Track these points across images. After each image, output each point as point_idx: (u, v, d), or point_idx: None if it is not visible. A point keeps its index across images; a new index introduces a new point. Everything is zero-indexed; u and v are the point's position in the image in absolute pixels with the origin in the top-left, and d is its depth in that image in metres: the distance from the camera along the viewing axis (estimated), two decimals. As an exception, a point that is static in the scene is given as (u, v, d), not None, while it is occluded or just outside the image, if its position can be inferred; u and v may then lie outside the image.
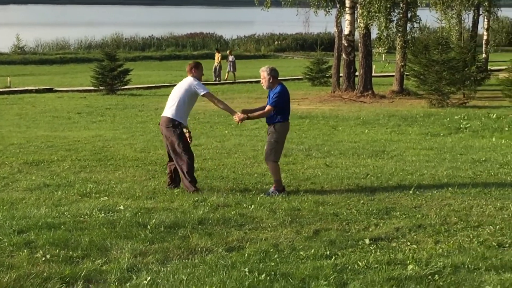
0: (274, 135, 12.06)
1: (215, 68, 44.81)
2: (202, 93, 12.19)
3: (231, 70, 45.07)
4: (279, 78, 12.28)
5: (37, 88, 38.72)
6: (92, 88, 37.35)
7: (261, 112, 12.27)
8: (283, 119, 12.12)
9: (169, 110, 12.28)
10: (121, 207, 10.74)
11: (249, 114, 12.33)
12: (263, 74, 12.09)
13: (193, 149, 16.89)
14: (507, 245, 8.87)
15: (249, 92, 35.68)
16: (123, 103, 31.32)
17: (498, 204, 11.04)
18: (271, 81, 12.07)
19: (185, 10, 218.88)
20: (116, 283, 7.43)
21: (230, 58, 45.15)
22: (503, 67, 39.91)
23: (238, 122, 12.42)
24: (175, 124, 12.17)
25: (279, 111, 12.03)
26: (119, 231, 9.31)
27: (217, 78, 44.46)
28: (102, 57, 38.51)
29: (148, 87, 39.73)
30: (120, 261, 8.08)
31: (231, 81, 44.04)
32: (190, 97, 12.28)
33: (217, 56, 45.10)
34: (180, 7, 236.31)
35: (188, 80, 12.35)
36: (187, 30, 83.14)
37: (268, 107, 12.03)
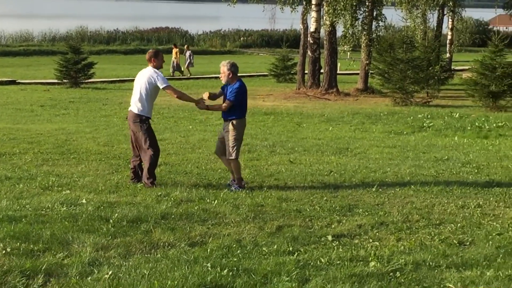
0: (233, 132, 12.01)
1: (173, 63, 44.36)
2: (162, 87, 12.12)
3: (188, 65, 44.77)
4: (239, 74, 12.27)
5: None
6: (55, 81, 37.02)
7: (220, 105, 12.22)
8: (241, 115, 12.11)
9: (134, 105, 12.21)
10: (84, 201, 10.69)
11: (208, 106, 12.42)
12: (223, 68, 12.07)
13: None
14: (468, 243, 8.96)
15: (214, 88, 35.45)
16: (87, 97, 31.10)
17: (460, 203, 11.15)
18: (230, 76, 12.04)
19: (150, 4, 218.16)
20: (77, 277, 7.38)
21: (188, 53, 44.54)
22: (467, 67, 40.28)
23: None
24: (142, 119, 12.12)
25: (237, 107, 12.02)
26: (81, 225, 9.27)
27: (181, 74, 44.12)
28: (66, 50, 38.21)
29: (113, 81, 39.46)
30: (81, 255, 8.04)
31: (189, 76, 43.55)
32: (152, 90, 12.18)
33: (175, 51, 44.47)
34: (145, 1, 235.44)
35: (149, 72, 12.24)
36: (153, 24, 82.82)
37: (227, 102, 12.00)
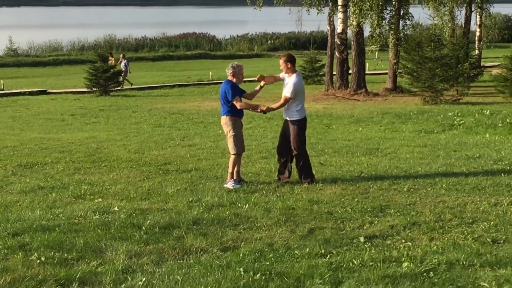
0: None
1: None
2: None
3: (124, 75, 40.95)
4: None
5: (30, 90, 38.70)
6: (85, 89, 37.35)
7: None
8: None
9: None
10: (116, 209, 10.75)
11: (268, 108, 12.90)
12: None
13: (187, 149, 16.94)
14: (502, 241, 8.89)
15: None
16: (117, 104, 31.28)
17: (492, 200, 11.07)
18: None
19: (177, 10, 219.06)
20: (111, 285, 7.44)
21: (123, 62, 41.59)
22: (496, 63, 40.05)
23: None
24: None
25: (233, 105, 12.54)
26: (113, 233, 9.32)
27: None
28: (95, 58, 38.45)
29: (142, 88, 39.70)
30: (115, 262, 8.09)
31: (127, 87, 40.41)
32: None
33: (111, 60, 41.08)
34: (172, 7, 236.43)
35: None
36: (180, 30, 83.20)
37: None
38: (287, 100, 12.45)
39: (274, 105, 12.81)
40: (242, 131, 12.87)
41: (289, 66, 12.59)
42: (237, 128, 12.65)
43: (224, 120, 12.70)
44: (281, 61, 12.67)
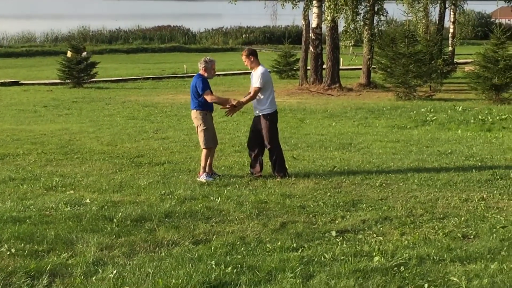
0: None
1: None
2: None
3: None
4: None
5: (2, 81, 38.30)
6: (58, 81, 37.03)
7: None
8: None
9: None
10: (87, 201, 10.72)
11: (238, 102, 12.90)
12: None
13: (160, 142, 16.92)
14: (472, 236, 8.96)
15: (217, 85, 35.60)
16: (90, 96, 31.12)
17: (463, 196, 11.15)
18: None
19: (152, 2, 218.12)
20: (82, 277, 7.40)
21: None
22: (469, 60, 40.20)
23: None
24: None
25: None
26: (85, 225, 9.29)
27: None
28: (69, 50, 38.07)
29: (115, 80, 39.43)
30: (86, 254, 8.07)
31: None
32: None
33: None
34: (147, 0, 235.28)
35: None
36: (155, 23, 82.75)
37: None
38: (257, 92, 12.49)
39: (244, 99, 12.86)
40: (213, 125, 12.87)
41: (252, 60, 12.65)
42: (208, 122, 12.66)
43: (195, 114, 12.72)
44: (243, 57, 12.75)
